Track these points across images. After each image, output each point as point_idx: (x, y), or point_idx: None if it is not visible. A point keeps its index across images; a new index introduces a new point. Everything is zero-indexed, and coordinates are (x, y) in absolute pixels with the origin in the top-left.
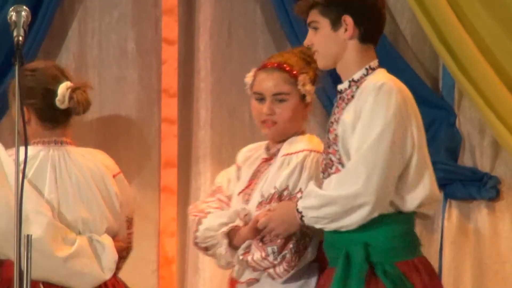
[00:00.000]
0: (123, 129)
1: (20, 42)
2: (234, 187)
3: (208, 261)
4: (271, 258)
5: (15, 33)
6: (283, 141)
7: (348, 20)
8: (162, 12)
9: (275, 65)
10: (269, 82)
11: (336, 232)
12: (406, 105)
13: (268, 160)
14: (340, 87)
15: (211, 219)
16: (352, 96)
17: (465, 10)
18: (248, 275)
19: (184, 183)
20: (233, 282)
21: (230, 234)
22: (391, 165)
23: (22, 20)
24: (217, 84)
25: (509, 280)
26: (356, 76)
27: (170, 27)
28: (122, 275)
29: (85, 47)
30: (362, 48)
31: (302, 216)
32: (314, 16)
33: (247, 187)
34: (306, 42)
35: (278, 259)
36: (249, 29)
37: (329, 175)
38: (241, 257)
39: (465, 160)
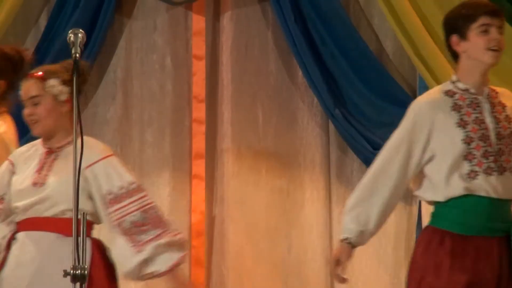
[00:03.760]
0: (161, 128)
1: (77, 59)
2: (9, 178)
3: (232, 233)
4: None
5: (73, 51)
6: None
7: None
8: (192, 34)
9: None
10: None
11: (506, 202)
12: None
13: (50, 152)
14: (472, 90)
15: None
16: (496, 98)
17: (437, 31)
18: None
19: (210, 171)
20: None
21: None
22: None
23: (79, 40)
24: (236, 92)
25: None
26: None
27: (199, 46)
28: None
29: (131, 62)
30: None
31: None
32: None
33: (38, 175)
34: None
35: None
36: (262, 47)
37: (501, 164)
38: None
39: None
